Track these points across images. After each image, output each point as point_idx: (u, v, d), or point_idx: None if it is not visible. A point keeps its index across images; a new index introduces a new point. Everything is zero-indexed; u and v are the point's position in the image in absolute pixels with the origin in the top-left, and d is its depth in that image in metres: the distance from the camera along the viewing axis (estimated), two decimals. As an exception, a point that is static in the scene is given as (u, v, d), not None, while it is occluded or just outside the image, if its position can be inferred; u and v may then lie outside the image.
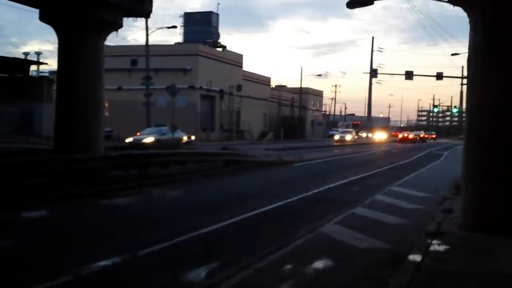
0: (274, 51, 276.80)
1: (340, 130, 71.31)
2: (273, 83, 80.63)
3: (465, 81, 9.29)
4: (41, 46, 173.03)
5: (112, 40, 32.05)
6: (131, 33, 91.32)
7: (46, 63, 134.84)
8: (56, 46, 16.18)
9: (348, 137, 60.54)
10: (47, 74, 53.76)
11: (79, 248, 8.06)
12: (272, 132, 69.81)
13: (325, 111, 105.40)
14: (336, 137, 61.82)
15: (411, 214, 11.52)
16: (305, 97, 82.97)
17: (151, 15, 17.87)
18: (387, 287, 6.08)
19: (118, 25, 16.36)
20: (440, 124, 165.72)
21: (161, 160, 17.50)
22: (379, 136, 76.34)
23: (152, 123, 33.66)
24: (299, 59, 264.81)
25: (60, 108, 15.83)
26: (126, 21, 16.80)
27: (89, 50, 15.49)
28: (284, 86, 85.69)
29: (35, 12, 16.15)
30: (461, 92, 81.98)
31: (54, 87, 26.55)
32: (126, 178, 15.30)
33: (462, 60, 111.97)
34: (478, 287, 5.98)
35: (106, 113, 31.52)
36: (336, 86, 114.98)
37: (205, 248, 8.18)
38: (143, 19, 17.56)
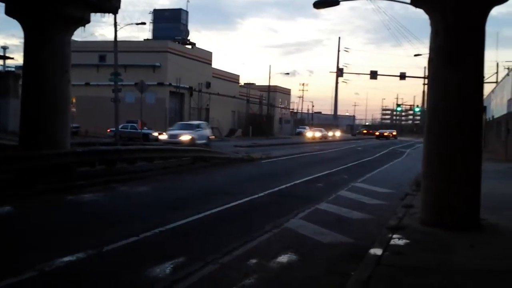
0: (243, 49, 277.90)
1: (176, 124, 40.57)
2: (242, 81, 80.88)
3: (427, 81, 9.52)
4: (7, 41, 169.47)
5: (79, 35, 31.60)
6: (99, 28, 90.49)
7: (12, 58, 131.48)
8: (23, 40, 15.92)
9: (185, 138, 34.36)
10: (13, 69, 52.67)
11: (44, 244, 8.01)
12: (241, 129, 69.99)
13: (293, 109, 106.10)
14: (163, 136, 37.97)
15: (373, 209, 11.81)
16: (273, 95, 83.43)
17: (120, 11, 17.77)
18: (348, 281, 6.22)
19: (85, 21, 16.18)
20: (403, 122, 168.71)
21: (128, 156, 17.41)
22: (312, 134, 70.07)
23: (120, 119, 33.38)
24: (267, 58, 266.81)
25: (26, 103, 15.57)
26: (94, 16, 16.64)
27: (56, 45, 15.28)
28: (252, 84, 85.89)
29: (1, 6, 15.88)
30: (424, 92, 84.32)
31: (21, 82, 26.06)
32: (93, 174, 15.20)
33: (424, 61, 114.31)
34: (435, 280, 6.13)
35: (74, 109, 31.15)
36: (303, 84, 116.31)
37: (171, 243, 8.23)
38: (111, 15, 17.36)
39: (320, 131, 73.16)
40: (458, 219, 8.90)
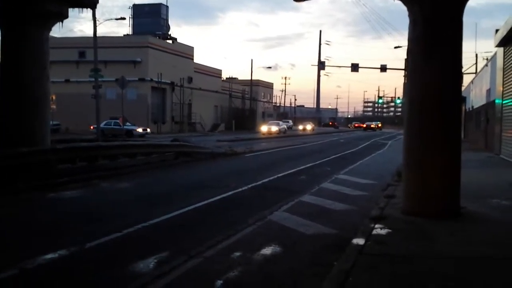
0: (224, 43, 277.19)
1: None
2: (224, 76, 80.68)
3: (407, 73, 9.70)
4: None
5: (58, 31, 31.20)
6: (78, 24, 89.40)
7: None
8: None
9: None
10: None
11: (25, 242, 7.92)
12: (224, 124, 69.88)
13: (276, 102, 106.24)
14: None
15: (356, 200, 11.87)
16: (255, 89, 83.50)
17: (98, 6, 17.63)
18: (332, 270, 6.24)
19: (63, 16, 15.97)
20: (384, 114, 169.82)
21: (110, 153, 17.27)
22: (267, 128, 60.01)
23: (102, 116, 33.02)
24: (249, 52, 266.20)
25: (4, 101, 15.35)
26: (72, 12, 16.45)
27: (33, 41, 15.07)
28: (235, 78, 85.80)
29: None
30: (404, 84, 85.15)
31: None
32: (75, 171, 15.05)
33: (404, 53, 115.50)
34: (415, 268, 6.19)
35: (53, 106, 30.76)
36: (285, 78, 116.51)
37: (154, 239, 8.18)
38: (89, 10, 17.16)
39: (277, 124, 63.23)
40: (438, 208, 8.99)
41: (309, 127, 79.18)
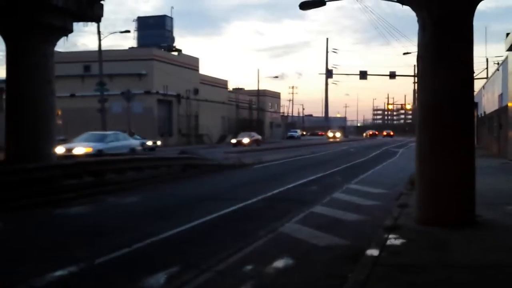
0: (230, 54, 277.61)
1: None
2: (231, 86, 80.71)
3: (417, 79, 9.63)
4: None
5: (62, 45, 31.33)
6: (81, 38, 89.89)
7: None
8: (4, 53, 15.70)
9: None
10: (-3, 83, 52.12)
11: (33, 259, 7.81)
12: (232, 135, 69.77)
13: (283, 112, 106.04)
14: None
15: (368, 210, 11.67)
16: (262, 99, 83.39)
17: (102, 19, 17.57)
18: (346, 283, 6.10)
19: (67, 30, 15.98)
20: (395, 122, 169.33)
21: (117, 167, 17.15)
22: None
23: (108, 130, 33.05)
24: (255, 61, 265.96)
25: (9, 116, 15.32)
26: (76, 26, 16.47)
27: (38, 56, 15.06)
28: (241, 89, 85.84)
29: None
30: (414, 90, 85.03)
31: (4, 96, 25.73)
32: (81, 186, 14.90)
33: (414, 59, 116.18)
34: (432, 278, 6.06)
35: (59, 121, 30.79)
36: (293, 87, 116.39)
37: (164, 253, 8.06)
38: (93, 24, 17.19)
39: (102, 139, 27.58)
40: (453, 216, 8.80)
41: (246, 140, 53.48)
